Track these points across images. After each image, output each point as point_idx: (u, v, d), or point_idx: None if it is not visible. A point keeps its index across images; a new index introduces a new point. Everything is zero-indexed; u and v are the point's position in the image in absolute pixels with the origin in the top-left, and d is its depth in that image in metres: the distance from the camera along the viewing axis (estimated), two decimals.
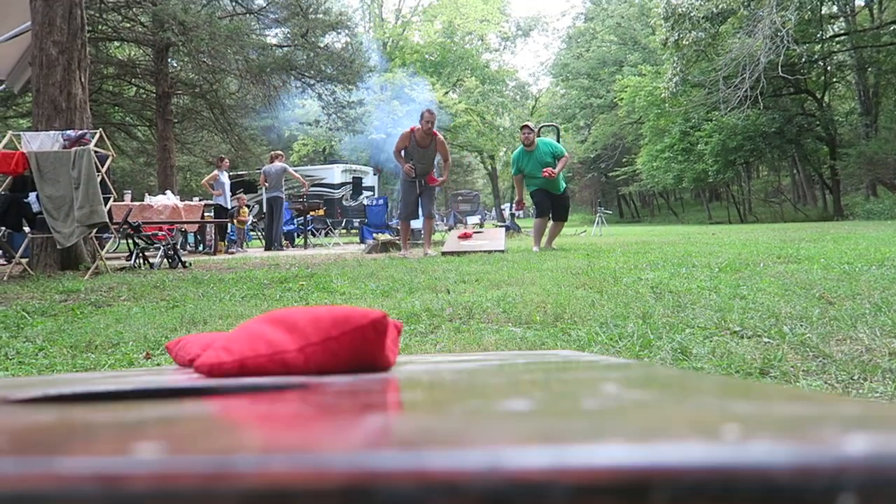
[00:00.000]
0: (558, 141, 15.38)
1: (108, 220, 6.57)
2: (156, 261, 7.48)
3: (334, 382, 0.57)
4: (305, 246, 12.98)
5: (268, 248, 12.25)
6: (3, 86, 10.07)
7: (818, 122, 27.10)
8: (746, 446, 0.25)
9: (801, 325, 2.76)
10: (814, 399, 0.39)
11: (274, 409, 0.46)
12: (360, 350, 0.64)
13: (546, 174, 7.77)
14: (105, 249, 7.39)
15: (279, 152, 13.20)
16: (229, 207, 12.15)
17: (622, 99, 33.85)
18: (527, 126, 8.16)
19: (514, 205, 8.20)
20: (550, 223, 8.29)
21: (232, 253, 11.32)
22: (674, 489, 0.23)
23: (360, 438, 0.30)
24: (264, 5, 17.78)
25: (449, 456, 0.24)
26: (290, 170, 12.52)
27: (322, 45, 18.39)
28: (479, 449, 0.25)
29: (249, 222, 14.76)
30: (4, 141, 6.71)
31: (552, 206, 8.10)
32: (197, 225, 11.00)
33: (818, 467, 0.23)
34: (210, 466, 0.24)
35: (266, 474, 0.23)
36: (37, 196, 6.39)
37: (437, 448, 0.27)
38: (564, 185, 8.34)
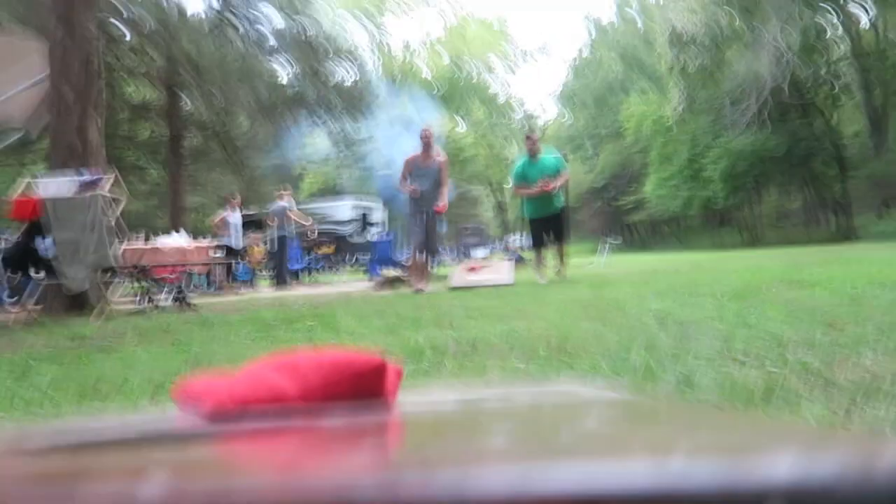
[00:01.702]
0: None
1: (114, 264, 6.63)
2: (163, 303, 7.52)
3: (328, 423, 0.61)
4: (312, 283, 13.02)
5: (277, 286, 12.29)
6: (22, 133, 10.28)
7: (826, 144, 27.05)
8: (685, 469, 0.28)
9: (805, 351, 2.75)
10: (763, 425, 0.43)
11: (268, 450, 0.50)
12: (359, 394, 0.67)
13: (542, 186, 7.68)
14: (116, 292, 7.46)
15: (285, 191, 13.27)
16: (239, 247, 12.20)
17: (628, 128, 33.99)
18: (531, 136, 8.21)
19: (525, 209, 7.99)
20: (554, 248, 8.24)
21: (239, 293, 11.36)
22: None
23: (338, 469, 0.33)
24: (275, 46, 18.12)
25: (420, 481, 0.28)
26: (290, 211, 12.50)
27: (332, 84, 18.68)
28: (447, 476, 0.28)
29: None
30: (21, 188, 6.84)
31: (549, 229, 8.04)
32: (206, 266, 11.06)
33: (744, 488, 0.26)
34: (205, 499, 0.27)
35: None
36: (51, 240, 6.48)
37: (411, 475, 0.30)
38: (562, 203, 8.23)
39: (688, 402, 2.29)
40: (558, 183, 7.89)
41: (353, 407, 0.67)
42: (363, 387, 0.67)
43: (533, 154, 7.97)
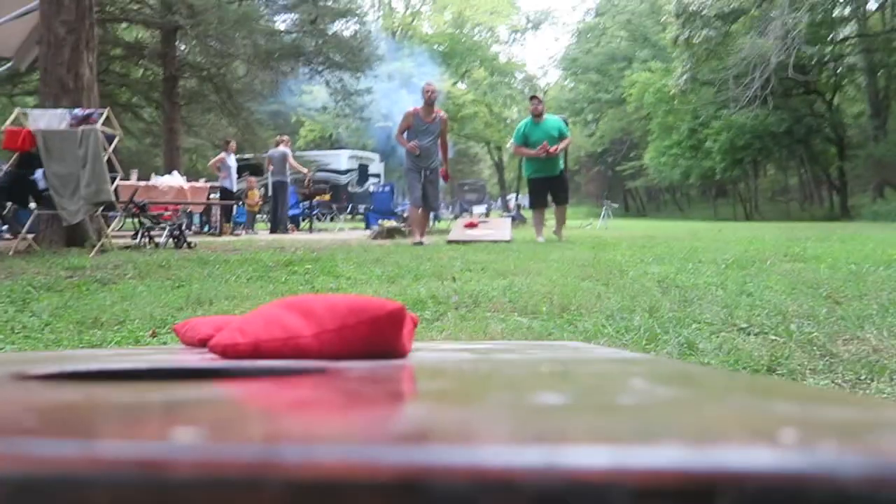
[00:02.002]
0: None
1: (113, 199, 6.58)
2: (161, 240, 7.49)
3: (352, 368, 0.57)
4: (311, 230, 13.01)
5: (273, 230, 12.26)
6: (10, 63, 10.06)
7: (827, 124, 27.02)
8: (814, 452, 0.24)
9: (808, 324, 2.75)
10: (853, 402, 0.39)
11: (304, 395, 0.46)
12: (374, 340, 0.63)
13: (545, 150, 7.68)
14: (111, 228, 7.41)
15: (284, 137, 13.17)
16: (234, 190, 12.14)
17: (631, 95, 33.72)
18: (536, 97, 8.22)
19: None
20: (554, 208, 8.24)
21: (237, 235, 11.34)
22: (739, 494, 0.22)
23: (407, 430, 0.30)
24: None
25: (505, 452, 0.24)
26: (291, 158, 12.40)
27: (331, 33, 18.35)
28: (536, 446, 0.24)
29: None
30: (11, 118, 6.72)
31: (551, 190, 8.07)
32: (202, 206, 11.01)
33: (892, 478, 0.22)
34: (257, 455, 0.23)
35: (315, 466, 0.23)
36: (43, 173, 6.40)
37: (487, 443, 0.26)
38: (563, 165, 8.27)
39: (707, 366, 2.28)
40: (561, 146, 7.88)
41: (369, 357, 0.64)
42: (379, 332, 0.63)
43: (537, 115, 7.96)
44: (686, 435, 0.28)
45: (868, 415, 0.35)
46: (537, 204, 8.19)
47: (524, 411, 0.36)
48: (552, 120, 8.07)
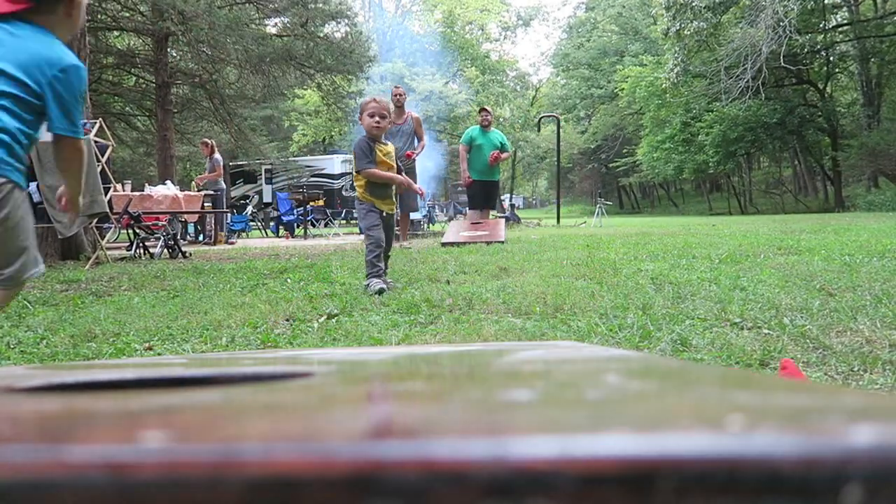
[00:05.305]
0: (559, 132, 18.44)
1: (108, 210, 6.57)
2: (156, 251, 7.48)
3: (334, 372, 0.57)
4: (305, 236, 12.98)
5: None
6: None
7: (820, 113, 27.00)
8: (751, 436, 0.25)
9: (802, 317, 2.76)
10: (816, 390, 0.39)
11: (279, 398, 0.46)
12: None
13: (493, 157, 8.62)
14: (105, 239, 7.39)
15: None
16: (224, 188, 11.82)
17: (623, 89, 33.68)
18: (485, 109, 9.23)
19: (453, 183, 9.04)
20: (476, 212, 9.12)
21: (232, 243, 11.31)
22: (679, 479, 0.23)
23: (364, 427, 0.30)
24: None
25: (455, 445, 0.24)
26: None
27: (321, 35, 18.32)
28: (485, 438, 0.25)
29: (248, 212, 14.79)
30: None
31: (485, 193, 9.00)
32: (197, 215, 10.96)
33: (823, 458, 0.23)
34: (216, 455, 0.24)
35: (272, 463, 0.23)
36: (37, 186, 6.38)
37: (441, 437, 0.27)
38: (498, 175, 9.33)
39: (702, 363, 2.29)
40: (503, 157, 8.91)
41: None
42: None
43: (486, 125, 8.84)
44: (635, 424, 0.29)
45: (824, 401, 0.36)
46: (476, 205, 9.10)
47: (486, 407, 0.36)
48: (497, 133, 9.05)
